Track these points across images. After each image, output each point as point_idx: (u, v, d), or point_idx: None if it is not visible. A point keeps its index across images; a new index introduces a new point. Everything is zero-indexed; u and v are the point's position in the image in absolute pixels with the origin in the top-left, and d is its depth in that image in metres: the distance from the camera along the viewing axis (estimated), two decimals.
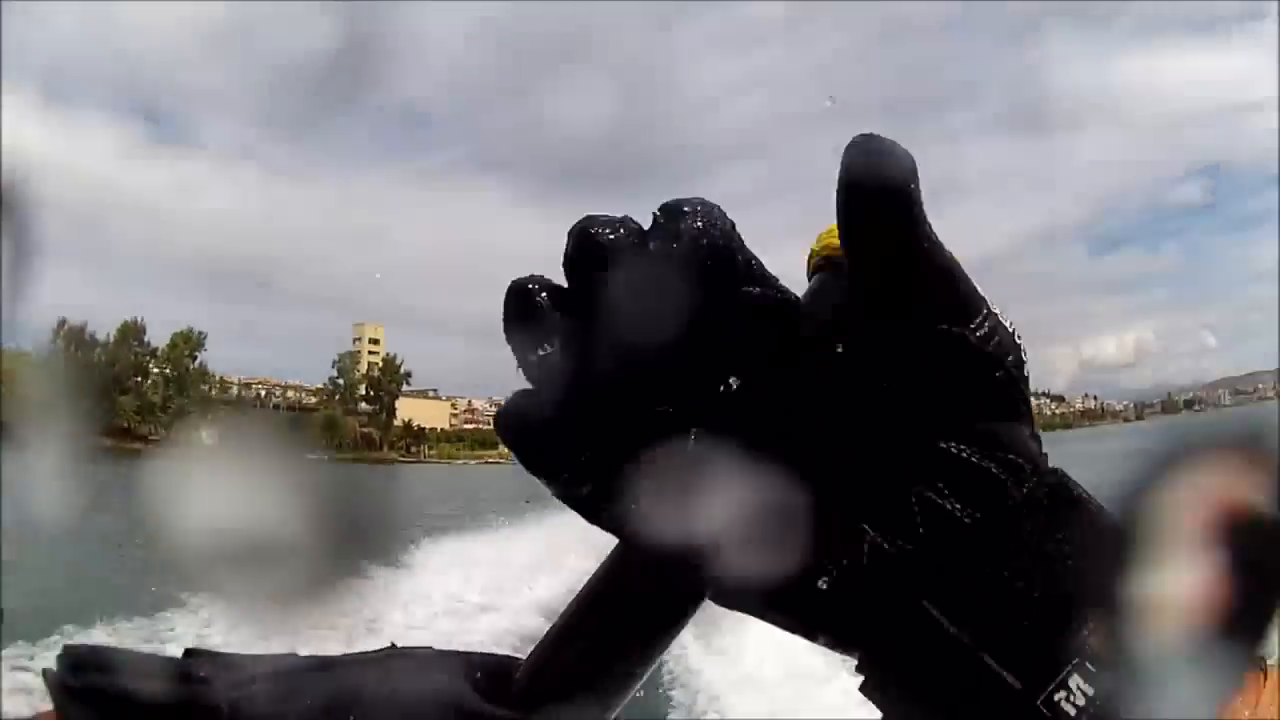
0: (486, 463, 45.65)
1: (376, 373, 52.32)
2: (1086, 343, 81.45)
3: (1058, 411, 70.55)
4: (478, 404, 58.19)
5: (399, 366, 52.30)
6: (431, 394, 59.95)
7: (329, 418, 47.77)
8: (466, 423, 58.05)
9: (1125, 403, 72.23)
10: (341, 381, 52.61)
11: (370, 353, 53.59)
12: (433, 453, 54.65)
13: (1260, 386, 69.62)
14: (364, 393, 52.43)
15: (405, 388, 53.55)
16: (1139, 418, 70.55)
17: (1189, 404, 72.88)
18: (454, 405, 59.47)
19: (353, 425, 50.52)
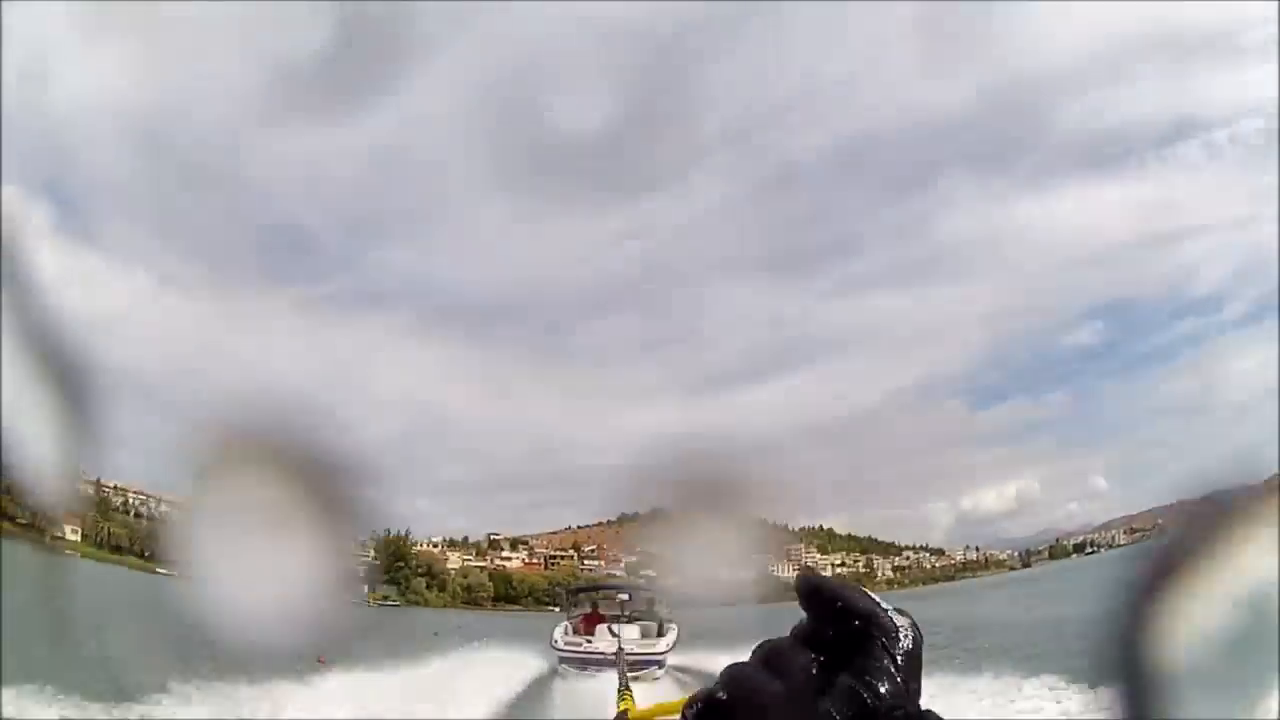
0: None
1: None
2: (965, 495, 76.94)
3: (938, 565, 64.43)
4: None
5: None
6: None
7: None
8: None
9: (1009, 551, 66.56)
10: None
11: None
12: None
13: (1159, 522, 64.44)
14: None
15: None
16: (1025, 565, 64.74)
17: (1079, 548, 67.42)
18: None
19: None
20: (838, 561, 62.79)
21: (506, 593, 63.17)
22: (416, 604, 51.89)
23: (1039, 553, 69.01)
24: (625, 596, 17.89)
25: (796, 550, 58.66)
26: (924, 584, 63.49)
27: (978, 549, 64.65)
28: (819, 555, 61.59)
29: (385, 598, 46.54)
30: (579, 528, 66.51)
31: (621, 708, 1.31)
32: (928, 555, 64.33)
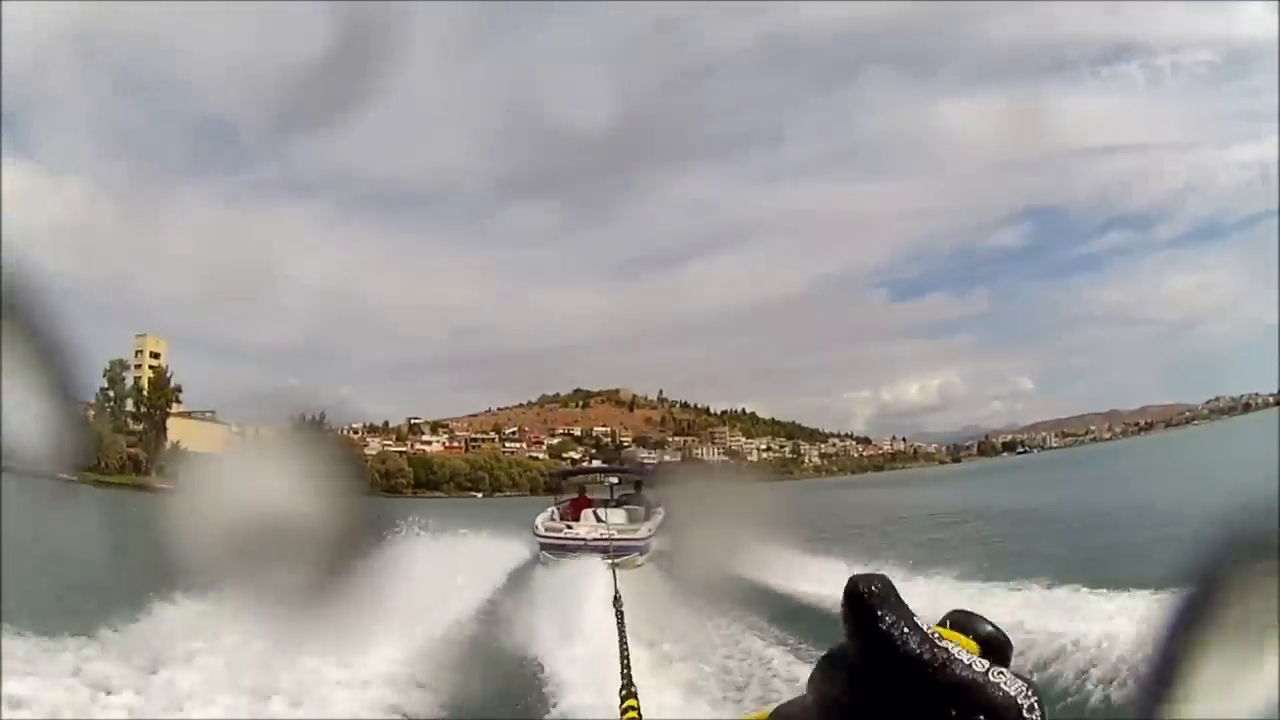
0: None
1: (145, 384, 46.82)
2: (886, 387, 76.29)
3: (865, 454, 63.69)
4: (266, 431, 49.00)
5: (169, 379, 46.34)
6: (206, 415, 52.05)
7: (96, 434, 39.42)
8: None
9: (936, 445, 65.99)
10: (111, 394, 45.62)
11: (151, 367, 47.85)
12: None
13: (1092, 429, 64.41)
14: (133, 408, 46.34)
15: (177, 407, 47.38)
16: (955, 460, 64.31)
17: (1008, 446, 67.04)
18: (237, 432, 50.66)
19: (118, 445, 43.72)
20: (763, 446, 61.72)
21: (427, 478, 61.73)
22: None
23: (967, 448, 68.46)
24: (614, 480, 17.49)
25: (720, 433, 57.68)
26: (852, 472, 62.62)
27: (904, 440, 63.86)
28: (744, 439, 60.44)
29: None
30: (499, 410, 65.93)
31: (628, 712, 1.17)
32: (854, 444, 63.40)
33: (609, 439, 56.49)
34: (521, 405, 62.98)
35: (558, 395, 62.07)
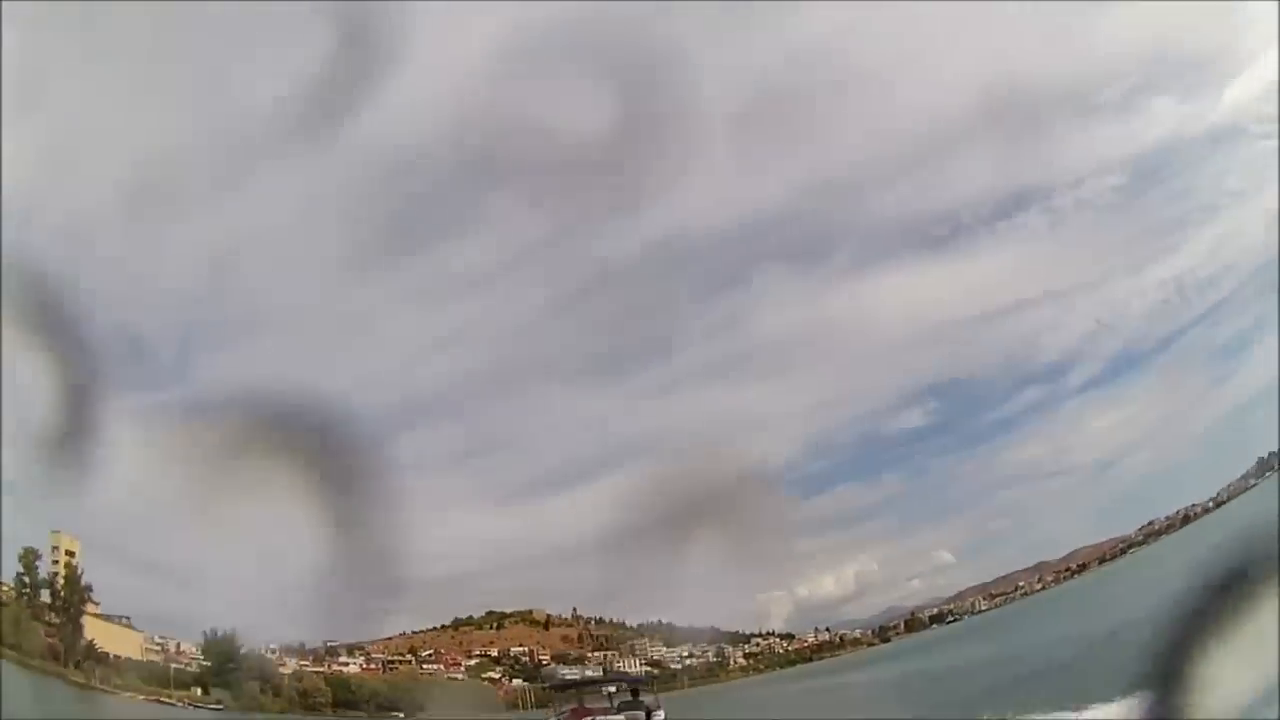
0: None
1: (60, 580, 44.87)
2: (801, 583, 75.11)
3: (790, 649, 61.49)
4: (186, 646, 48.37)
5: (80, 576, 44.87)
6: (123, 621, 49.96)
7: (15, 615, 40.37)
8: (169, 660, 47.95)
9: (862, 631, 64.10)
10: (27, 580, 44.04)
11: (66, 564, 45.22)
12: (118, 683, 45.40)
13: (1021, 585, 62.93)
14: (49, 600, 44.58)
15: (91, 608, 45.23)
16: (884, 640, 62.23)
17: (936, 619, 65.22)
18: (156, 643, 49.12)
19: (38, 632, 41.86)
20: (685, 654, 60.10)
21: (346, 698, 58.70)
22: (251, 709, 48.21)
23: (894, 627, 67.21)
24: (612, 689, 18.16)
25: (640, 644, 55.66)
26: (780, 668, 60.18)
27: (828, 629, 62.25)
28: (665, 648, 58.77)
29: (219, 701, 44.39)
30: (414, 633, 61.09)
31: None
32: (778, 640, 61.68)
33: (527, 658, 54.28)
34: (435, 629, 60.77)
35: (470, 618, 59.91)
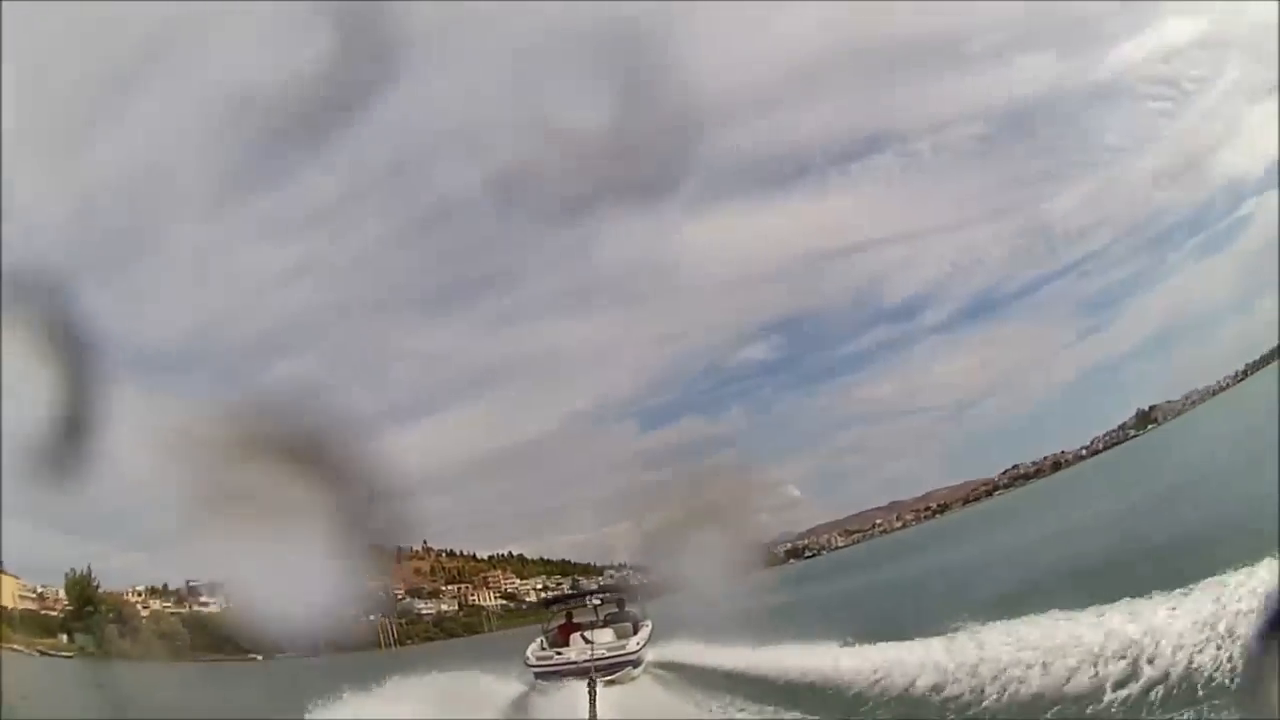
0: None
1: None
2: (647, 517, 75.25)
3: (645, 581, 61.31)
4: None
5: None
6: None
7: None
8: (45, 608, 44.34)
9: None
10: None
11: None
12: None
13: (878, 523, 64.13)
14: None
15: None
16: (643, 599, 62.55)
17: (793, 553, 66.35)
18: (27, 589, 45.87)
19: None
20: (539, 586, 60.03)
21: (205, 641, 55.90)
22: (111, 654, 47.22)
23: (647, 586, 68.08)
24: (596, 601, 18.64)
25: (494, 577, 54.90)
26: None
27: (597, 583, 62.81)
28: (518, 580, 58.54)
29: (82, 648, 41.48)
30: None
31: None
32: (632, 572, 61.85)
33: (383, 592, 52.64)
34: None
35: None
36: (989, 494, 65.13)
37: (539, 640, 18.16)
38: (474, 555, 60.99)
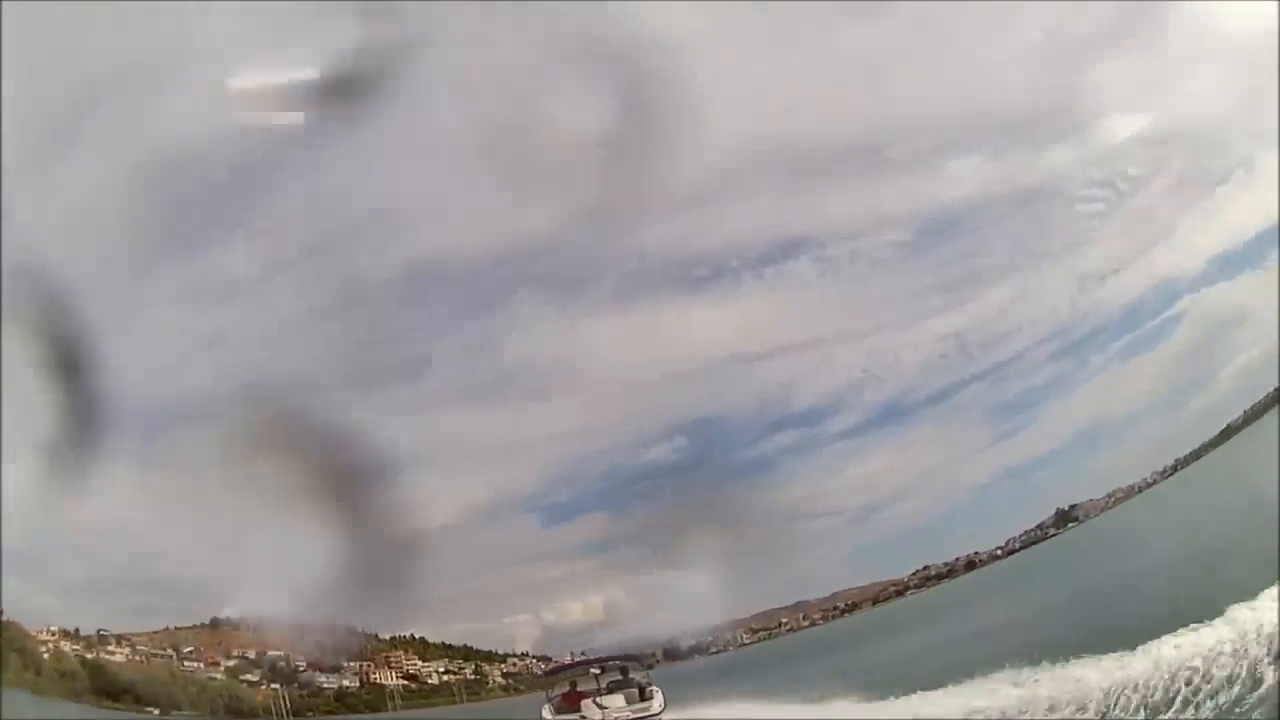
0: None
1: None
2: (547, 608, 75.44)
3: (548, 670, 61.56)
4: None
5: None
6: None
7: None
8: None
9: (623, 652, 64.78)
10: None
11: None
12: None
13: (784, 622, 64.93)
14: None
15: None
16: (649, 667, 62.74)
17: (698, 650, 66.86)
18: None
19: None
20: (442, 669, 59.77)
21: (104, 686, 55.28)
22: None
23: (650, 655, 68.60)
24: (597, 670, 18.68)
25: (395, 657, 54.61)
26: (543, 689, 62.90)
27: (584, 653, 62.82)
28: (420, 662, 58.24)
29: None
30: (177, 628, 64.34)
31: None
32: (535, 661, 61.89)
33: (284, 663, 52.14)
34: (196, 626, 57.90)
35: (229, 619, 57.38)
36: (899, 594, 66.34)
37: (547, 708, 18.86)
38: (376, 635, 60.68)
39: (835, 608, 72.13)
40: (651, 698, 18.02)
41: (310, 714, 44.52)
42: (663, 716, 17.50)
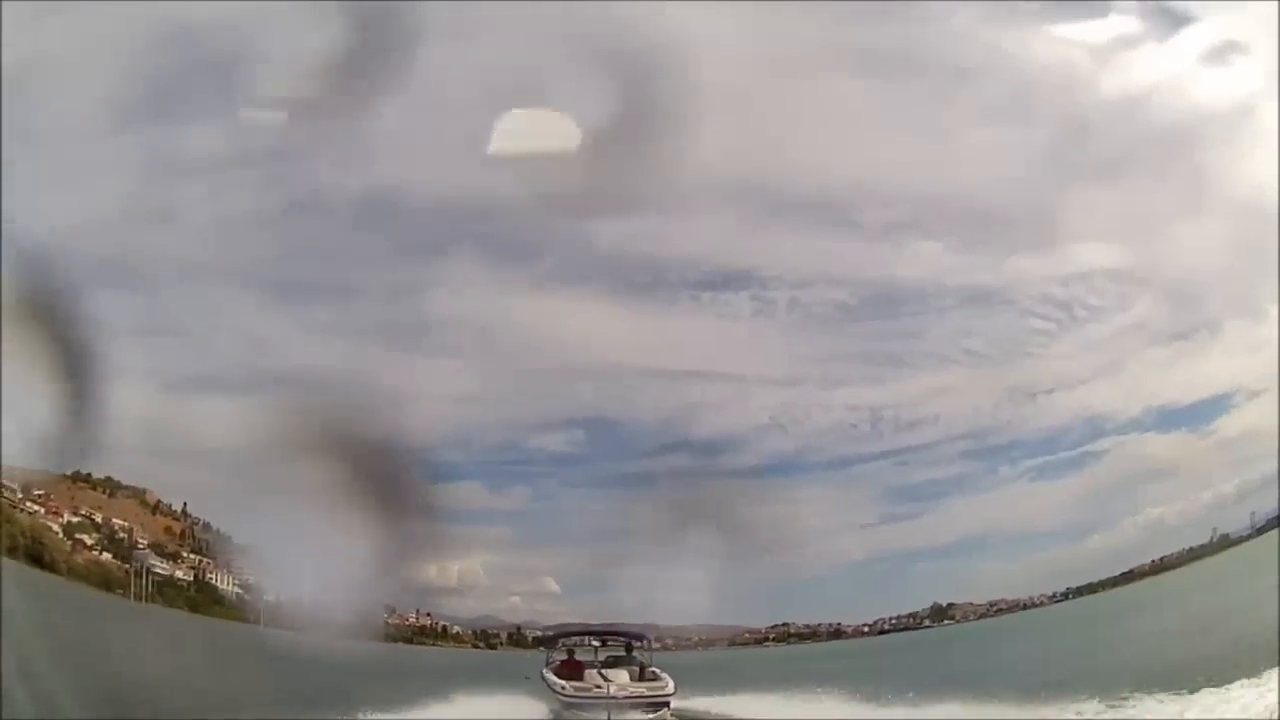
0: None
1: None
2: (402, 562, 73.81)
3: (391, 621, 59.80)
4: None
5: None
6: None
7: None
8: None
9: (461, 628, 63.48)
10: None
11: None
12: None
13: (637, 642, 64.10)
14: None
15: None
16: (489, 646, 61.54)
17: (540, 641, 65.80)
18: None
19: None
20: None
21: None
22: None
23: (495, 636, 67.64)
24: (598, 643, 18.50)
25: (238, 565, 52.15)
26: (389, 640, 61.48)
27: (429, 614, 61.48)
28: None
29: None
30: (33, 470, 59.00)
31: None
32: (384, 609, 60.13)
33: (125, 534, 49.17)
34: (54, 473, 54.07)
35: (89, 475, 53.75)
36: (757, 643, 66.31)
37: (548, 670, 18.10)
38: (229, 537, 57.63)
39: (687, 639, 71.91)
40: (655, 678, 17.54)
41: (119, 590, 42.63)
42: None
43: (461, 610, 66.31)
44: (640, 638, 21.80)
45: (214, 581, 49.03)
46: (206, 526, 55.62)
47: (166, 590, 46.66)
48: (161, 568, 47.61)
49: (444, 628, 61.85)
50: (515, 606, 68.46)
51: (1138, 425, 31.27)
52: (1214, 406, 29.01)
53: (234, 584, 49.20)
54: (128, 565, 45.50)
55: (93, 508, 53.14)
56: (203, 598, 47.48)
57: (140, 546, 50.23)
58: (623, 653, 19.13)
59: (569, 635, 21.91)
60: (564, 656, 19.24)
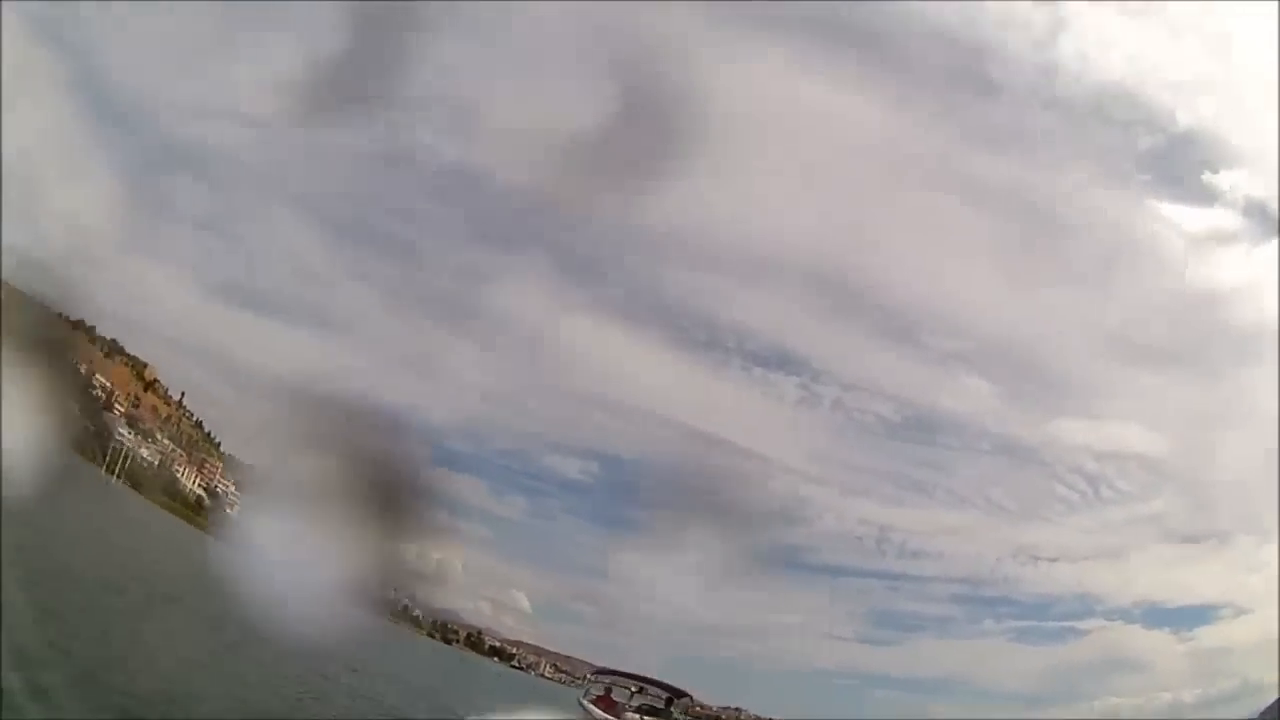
0: None
1: None
2: (386, 540, 71.02)
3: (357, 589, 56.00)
4: None
5: None
6: None
7: None
8: None
9: (421, 614, 60.15)
10: None
11: None
12: None
13: (589, 676, 59.59)
14: None
15: None
16: (445, 640, 57.96)
17: (498, 652, 61.68)
18: None
19: None
20: None
21: None
22: None
23: (454, 632, 63.54)
24: (635, 689, 19.07)
25: (213, 466, 48.91)
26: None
27: (395, 590, 57.78)
28: (237, 491, 52.69)
29: None
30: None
31: None
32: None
33: (104, 395, 46.24)
34: (71, 319, 51.86)
35: (94, 329, 51.14)
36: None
37: (585, 701, 19.07)
38: (218, 444, 54.59)
39: (640, 688, 67.34)
40: None
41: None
42: None
43: (428, 598, 62.52)
44: (683, 694, 21.55)
45: (178, 475, 45.59)
46: (199, 425, 52.15)
47: (135, 472, 43.47)
48: (128, 440, 44.07)
49: (405, 608, 57.56)
50: (481, 611, 64.54)
51: (1126, 615, 32.21)
52: (1200, 615, 30.14)
53: (199, 486, 45.61)
54: (90, 424, 42.30)
55: (82, 359, 49.76)
56: (157, 484, 44.24)
57: (114, 411, 46.50)
58: (661, 705, 19.09)
59: (616, 674, 21.62)
60: (600, 692, 19.77)
